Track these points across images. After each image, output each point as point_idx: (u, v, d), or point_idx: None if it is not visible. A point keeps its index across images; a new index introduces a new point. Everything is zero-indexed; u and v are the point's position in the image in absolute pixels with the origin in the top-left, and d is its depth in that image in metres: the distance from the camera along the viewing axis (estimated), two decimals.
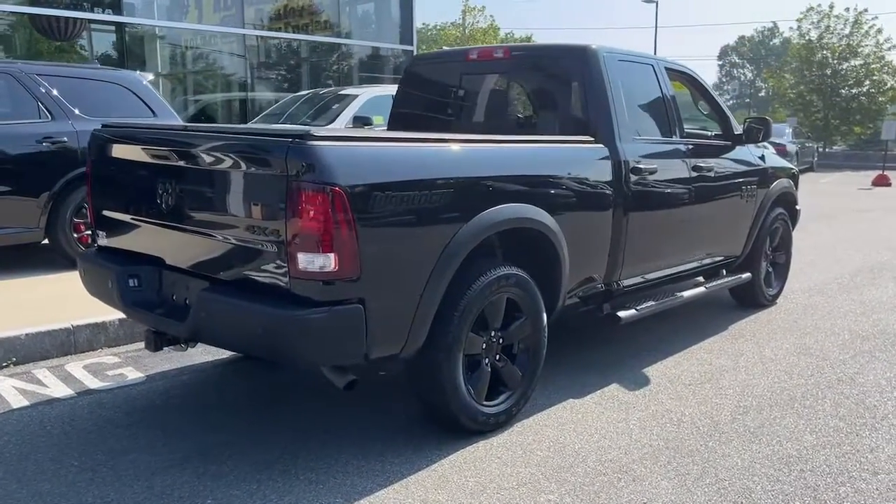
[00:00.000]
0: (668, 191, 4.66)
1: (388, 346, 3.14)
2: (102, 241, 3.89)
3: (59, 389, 4.08)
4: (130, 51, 14.00)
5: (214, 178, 3.20)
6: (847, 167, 28.49)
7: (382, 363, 3.22)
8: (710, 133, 5.71)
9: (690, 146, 4.92)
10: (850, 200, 15.79)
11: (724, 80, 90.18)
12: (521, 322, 3.73)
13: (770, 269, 6.17)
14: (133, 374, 4.35)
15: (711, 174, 5.03)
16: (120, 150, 3.71)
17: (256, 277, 3.02)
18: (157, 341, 3.46)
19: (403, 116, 5.15)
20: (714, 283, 5.29)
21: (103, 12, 13.34)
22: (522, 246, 3.81)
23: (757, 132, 5.38)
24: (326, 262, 2.82)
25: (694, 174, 4.84)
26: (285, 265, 2.86)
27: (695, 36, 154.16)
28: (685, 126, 5.06)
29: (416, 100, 5.09)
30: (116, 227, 3.77)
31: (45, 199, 6.23)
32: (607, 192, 4.16)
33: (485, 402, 3.57)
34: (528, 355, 3.79)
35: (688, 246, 4.96)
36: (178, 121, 7.21)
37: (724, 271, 5.69)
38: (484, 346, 3.56)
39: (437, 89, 5.00)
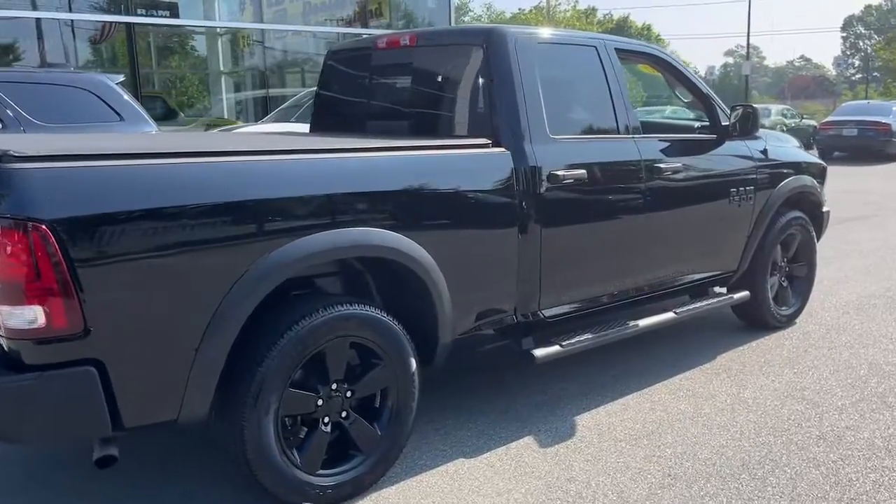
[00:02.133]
0: (606, 200, 3.83)
1: (154, 411, 2.54)
2: None
3: None
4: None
5: None
6: None
7: (159, 429, 2.63)
8: (696, 126, 4.78)
9: (646, 144, 4.05)
10: None
11: (848, 52, 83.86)
12: (378, 370, 3.05)
13: (785, 285, 5.16)
14: None
15: (679, 176, 4.14)
16: None
17: None
18: None
19: (321, 118, 4.53)
20: (688, 308, 4.37)
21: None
22: (379, 279, 3.14)
23: (748, 121, 4.42)
24: (34, 315, 2.25)
25: (650, 178, 3.97)
26: None
27: (816, 5, 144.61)
28: (678, 119, 4.19)
29: (332, 99, 4.45)
30: None
31: None
32: (508, 207, 3.40)
33: (321, 472, 2.93)
34: (391, 410, 3.11)
35: (645, 265, 4.10)
36: (150, 125, 6.82)
37: (716, 289, 4.78)
38: (320, 403, 2.91)
39: (351, 85, 4.33)
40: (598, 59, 3.94)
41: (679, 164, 4.14)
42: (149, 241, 2.39)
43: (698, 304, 4.45)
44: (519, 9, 47.44)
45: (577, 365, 4.36)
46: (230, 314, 2.56)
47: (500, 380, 4.19)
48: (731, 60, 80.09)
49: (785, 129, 21.54)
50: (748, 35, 31.40)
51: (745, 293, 4.77)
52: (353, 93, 4.30)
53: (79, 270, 2.27)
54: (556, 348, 3.66)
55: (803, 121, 23.30)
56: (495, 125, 3.50)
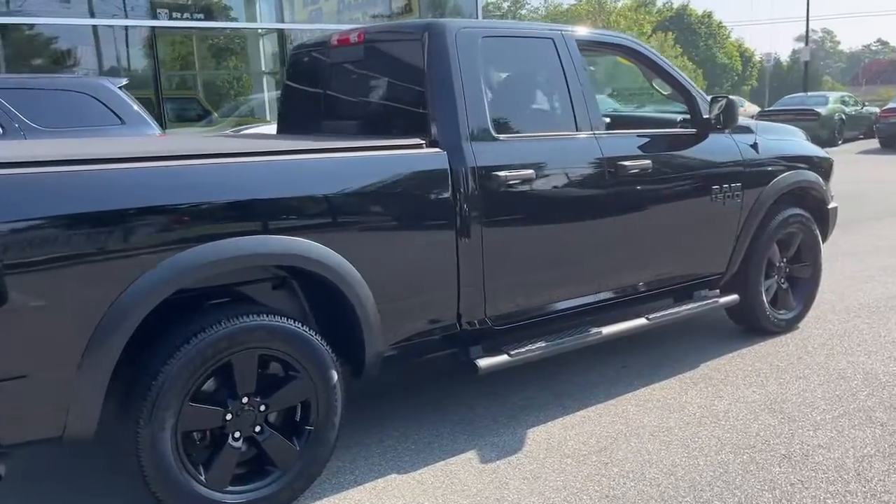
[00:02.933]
0: (559, 201, 3.62)
1: (35, 429, 2.48)
2: None
3: None
4: None
5: None
6: None
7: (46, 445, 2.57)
8: (678, 119, 4.50)
9: (611, 140, 3.81)
10: None
11: None
12: (295, 383, 2.93)
13: (785, 287, 4.84)
14: None
15: (649, 174, 3.89)
16: None
17: None
18: None
19: (284, 118, 4.43)
20: (662, 314, 4.11)
21: None
22: (306, 290, 3.03)
23: (727, 114, 4.14)
24: None
25: (613, 176, 3.74)
26: None
27: None
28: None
29: (295, 97, 4.34)
30: None
31: None
32: (442, 210, 3.23)
33: (231, 489, 2.83)
34: (311, 424, 2.99)
35: (611, 268, 3.87)
36: (153, 128, 6.86)
37: (704, 292, 4.50)
38: (229, 417, 2.81)
39: (310, 83, 4.21)
40: (555, 53, 3.72)
41: (648, 162, 3.89)
42: (21, 252, 2.33)
43: (674, 310, 4.18)
44: (578, 0, 46.44)
45: (545, 372, 4.17)
46: (112, 329, 2.48)
47: (460, 389, 4.02)
48: (800, 46, 77.27)
49: (844, 117, 20.58)
50: (807, 19, 30.12)
51: (733, 297, 4.49)
52: (311, 91, 4.18)
53: None
54: (503, 358, 3.48)
55: (865, 108, 22.18)
56: (433, 124, 3.33)
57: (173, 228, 2.59)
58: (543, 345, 3.62)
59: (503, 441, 3.46)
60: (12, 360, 2.37)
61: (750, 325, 4.76)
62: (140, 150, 2.88)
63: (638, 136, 4.02)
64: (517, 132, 3.56)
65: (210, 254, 2.62)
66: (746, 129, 4.48)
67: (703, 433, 3.48)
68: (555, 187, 3.59)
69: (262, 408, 2.88)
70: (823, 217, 4.98)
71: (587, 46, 3.95)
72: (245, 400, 2.84)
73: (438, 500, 2.98)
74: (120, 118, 6.67)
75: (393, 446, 3.45)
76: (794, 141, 4.89)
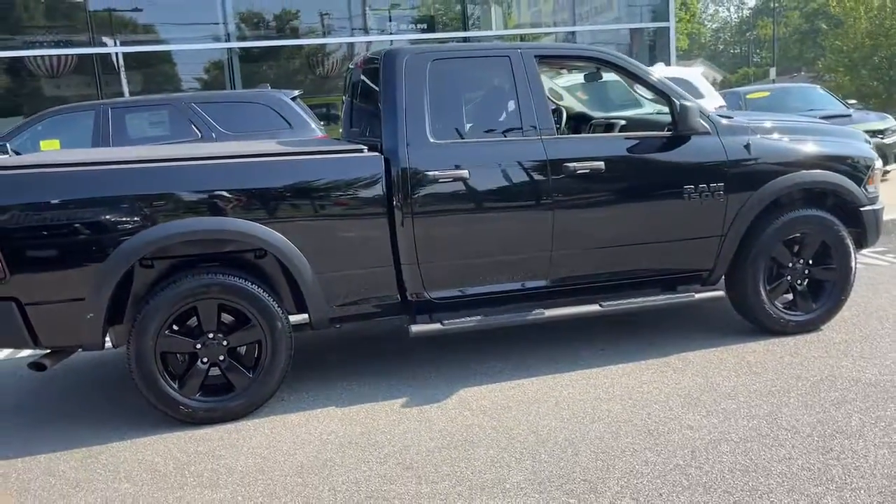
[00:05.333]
0: (495, 197, 4.21)
1: (62, 338, 3.84)
2: None
3: None
4: None
5: None
6: None
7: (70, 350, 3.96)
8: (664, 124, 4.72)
9: (559, 144, 4.29)
10: None
11: None
12: (248, 328, 3.98)
13: (800, 288, 4.81)
14: None
15: (598, 174, 4.28)
16: None
17: None
18: None
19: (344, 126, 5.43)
20: (617, 303, 4.44)
21: None
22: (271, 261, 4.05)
23: (681, 117, 4.35)
24: None
25: (557, 176, 4.23)
26: None
27: None
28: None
29: (344, 108, 5.36)
30: None
31: None
32: (376, 202, 4.04)
33: (197, 398, 3.96)
34: (262, 361, 4.02)
35: (555, 258, 4.33)
36: (317, 133, 8.33)
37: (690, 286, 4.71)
38: (199, 346, 3.94)
39: (350, 96, 5.17)
40: (509, 68, 4.30)
41: (600, 164, 4.29)
42: (47, 222, 3.66)
43: (632, 301, 4.50)
44: None
45: (518, 347, 4.76)
46: (104, 280, 3.72)
47: (428, 357, 4.76)
48: None
49: None
50: None
51: (720, 292, 4.66)
52: (348, 102, 5.17)
53: (0, 240, 3.60)
54: (436, 326, 4.21)
55: None
56: (383, 133, 4.16)
57: (147, 211, 3.76)
58: (479, 318, 4.26)
59: (433, 394, 4.18)
60: (42, 292, 3.71)
61: (755, 324, 4.82)
62: (146, 155, 4.10)
63: (596, 139, 4.43)
64: (455, 138, 4.23)
65: (163, 230, 3.76)
66: (743, 131, 4.58)
67: (602, 407, 3.89)
68: (488, 185, 4.20)
69: (225, 343, 3.97)
70: (856, 220, 4.83)
71: (553, 61, 4.45)
72: (210, 336, 3.95)
73: (356, 428, 3.83)
74: (289, 123, 8.23)
75: (334, 389, 4.35)
76: (814, 141, 4.78)
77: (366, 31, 17.40)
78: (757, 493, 2.99)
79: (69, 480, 3.45)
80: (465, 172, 4.12)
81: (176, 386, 3.93)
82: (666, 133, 4.50)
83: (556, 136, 4.34)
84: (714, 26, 78.21)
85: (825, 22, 37.82)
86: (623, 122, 5.12)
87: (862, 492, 2.94)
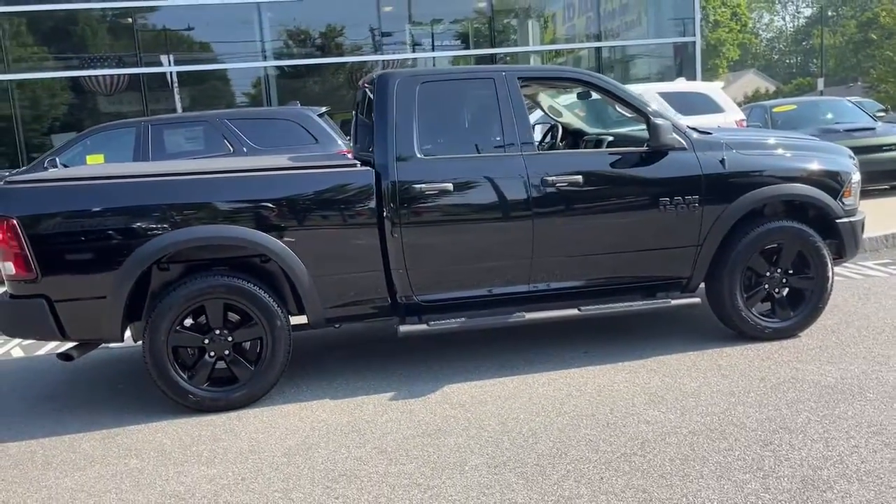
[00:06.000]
0: (477, 208, 4.57)
1: (86, 331, 4.32)
2: None
3: None
4: None
5: None
6: None
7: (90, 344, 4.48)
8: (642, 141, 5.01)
9: (539, 159, 4.63)
10: None
11: None
12: (250, 326, 4.41)
13: (777, 297, 5.03)
14: None
15: (576, 187, 4.60)
16: None
17: None
18: None
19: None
20: (595, 308, 4.75)
21: None
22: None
23: (653, 134, 4.64)
24: (11, 268, 4.15)
25: (536, 189, 4.56)
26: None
27: None
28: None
29: (354, 125, 5.78)
30: None
31: None
32: (366, 212, 4.44)
33: (205, 388, 4.40)
34: (263, 356, 4.44)
35: (536, 265, 4.65)
36: (341, 147, 8.79)
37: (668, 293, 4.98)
38: (207, 341, 4.39)
39: (358, 112, 5.57)
40: (493, 89, 4.67)
41: (579, 178, 4.61)
42: (74, 229, 4.15)
43: (609, 306, 4.79)
44: None
45: (503, 348, 5.09)
46: (122, 281, 4.20)
47: (414, 356, 5.12)
48: None
49: None
50: None
51: (697, 299, 4.92)
52: (356, 118, 5.58)
53: (33, 244, 4.11)
54: (422, 326, 4.58)
55: None
56: (373, 149, 4.57)
57: (158, 220, 4.23)
58: (462, 320, 4.62)
59: (419, 389, 4.55)
60: (69, 289, 4.20)
61: (734, 330, 5.06)
62: (177, 169, 4.58)
63: (575, 154, 4.75)
64: (441, 154, 4.61)
65: (171, 237, 4.22)
66: (718, 146, 4.85)
67: (570, 402, 4.20)
68: (472, 197, 4.57)
69: (230, 339, 4.41)
70: (833, 231, 5.04)
71: (535, 82, 4.79)
72: (217, 332, 4.39)
73: (343, 417, 4.22)
74: (315, 138, 8.73)
75: (331, 383, 4.75)
76: (790, 156, 5.02)
77: (412, 47, 18.03)
78: (689, 478, 3.27)
79: (87, 456, 3.92)
80: (449, 185, 4.49)
81: (186, 377, 4.38)
82: (643, 149, 4.80)
83: (537, 151, 4.68)
84: (769, 35, 77.01)
85: (876, 32, 37.29)
86: (611, 139, 5.43)
87: (785, 479, 3.20)
